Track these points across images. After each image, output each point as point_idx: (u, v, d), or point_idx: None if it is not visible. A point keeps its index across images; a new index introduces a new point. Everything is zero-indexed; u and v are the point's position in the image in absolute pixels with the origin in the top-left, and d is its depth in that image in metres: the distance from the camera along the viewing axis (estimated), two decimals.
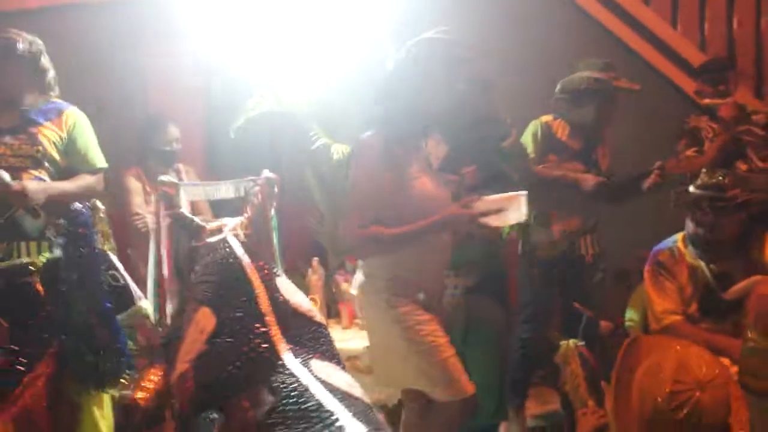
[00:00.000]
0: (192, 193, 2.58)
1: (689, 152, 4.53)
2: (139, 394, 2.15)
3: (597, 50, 4.90)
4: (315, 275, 4.31)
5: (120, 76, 4.88)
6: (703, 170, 3.28)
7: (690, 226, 3.17)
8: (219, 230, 2.41)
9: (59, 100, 3.39)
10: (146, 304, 2.57)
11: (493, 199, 2.74)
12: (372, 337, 2.78)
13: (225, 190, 2.65)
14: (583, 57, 4.19)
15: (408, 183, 2.66)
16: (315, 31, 4.58)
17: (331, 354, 1.98)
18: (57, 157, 3.37)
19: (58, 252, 2.41)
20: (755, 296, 2.78)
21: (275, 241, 2.71)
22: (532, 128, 4.07)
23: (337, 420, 1.64)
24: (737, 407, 2.01)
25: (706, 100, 4.64)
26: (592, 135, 4.10)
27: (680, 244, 3.23)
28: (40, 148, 3.32)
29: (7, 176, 3.09)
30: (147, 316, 2.58)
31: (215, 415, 1.86)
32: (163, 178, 2.51)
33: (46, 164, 3.39)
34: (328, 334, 2.12)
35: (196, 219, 2.45)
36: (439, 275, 2.90)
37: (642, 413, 1.93)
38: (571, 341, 3.14)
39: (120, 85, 4.90)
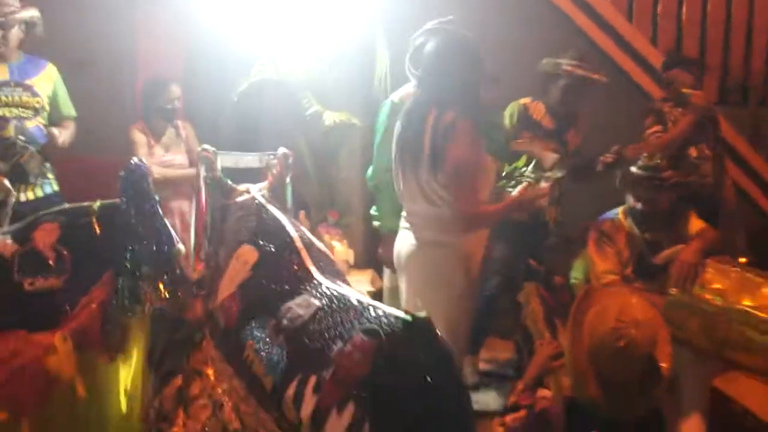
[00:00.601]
0: (225, 160, 3.01)
1: (655, 128, 4.95)
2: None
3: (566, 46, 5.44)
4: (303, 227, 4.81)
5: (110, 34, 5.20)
6: (644, 155, 3.84)
7: (630, 200, 3.74)
8: (247, 192, 2.92)
9: (30, 55, 4.08)
10: (182, 247, 3.08)
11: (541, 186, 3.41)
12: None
13: (251, 160, 3.14)
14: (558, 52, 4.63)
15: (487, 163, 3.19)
16: (309, 2, 5.01)
17: (343, 278, 2.53)
18: (47, 107, 4.06)
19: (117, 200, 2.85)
20: (678, 261, 3.41)
21: (289, 202, 3.19)
22: (509, 110, 4.55)
23: (370, 306, 2.14)
24: (663, 344, 2.62)
25: (685, 90, 4.96)
26: (563, 117, 4.55)
27: (621, 216, 3.79)
28: (39, 99, 3.98)
29: (54, 130, 3.67)
30: (184, 257, 3.12)
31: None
32: (206, 146, 2.97)
33: (44, 113, 4.05)
34: (336, 263, 2.68)
35: (229, 182, 2.95)
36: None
37: (591, 344, 2.54)
38: (533, 283, 3.74)
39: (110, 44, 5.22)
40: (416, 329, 2.02)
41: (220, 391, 2.42)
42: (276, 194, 3.01)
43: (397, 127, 3.20)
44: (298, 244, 2.50)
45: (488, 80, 3.90)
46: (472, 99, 3.11)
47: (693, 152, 4.91)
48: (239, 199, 2.88)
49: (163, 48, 5.18)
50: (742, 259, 4.71)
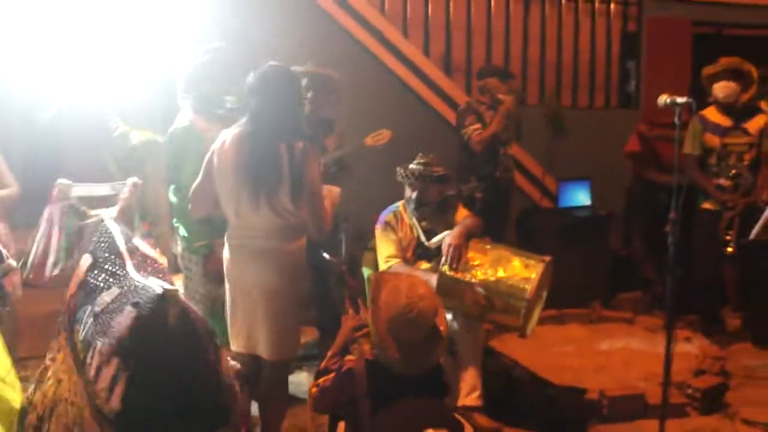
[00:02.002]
0: (78, 190, 3.42)
1: (476, 126, 5.63)
2: None
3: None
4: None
5: None
6: (419, 153, 4.46)
7: (408, 191, 4.35)
8: (97, 216, 3.34)
9: None
10: (12, 262, 3.41)
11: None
12: None
13: (104, 189, 3.53)
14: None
15: None
16: (115, 28, 5.30)
17: (163, 275, 3.01)
18: None
19: None
20: (445, 244, 4.09)
21: (136, 222, 3.58)
22: None
23: (146, 286, 2.74)
24: (441, 313, 3.26)
25: (500, 95, 5.70)
26: (317, 123, 4.97)
27: (401, 209, 4.40)
28: None
29: None
30: (13, 269, 3.47)
31: None
32: (61, 180, 3.39)
33: None
34: (163, 267, 3.13)
35: (83, 208, 3.36)
36: None
37: (388, 317, 3.08)
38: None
39: None
40: (165, 299, 2.62)
41: (63, 369, 2.94)
42: (126, 216, 3.41)
43: (235, 153, 3.46)
44: (123, 250, 2.96)
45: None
46: (304, 124, 3.63)
47: (501, 150, 5.77)
48: (90, 221, 3.33)
49: None
50: None
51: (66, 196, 3.37)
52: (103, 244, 3.01)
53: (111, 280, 2.90)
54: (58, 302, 4.39)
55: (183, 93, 3.98)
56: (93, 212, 3.33)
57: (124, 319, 2.65)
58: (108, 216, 3.23)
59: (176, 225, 4.08)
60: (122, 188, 3.52)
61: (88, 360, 2.73)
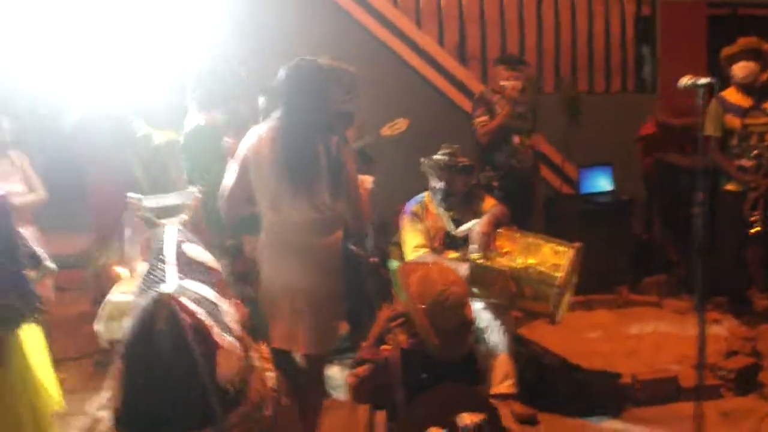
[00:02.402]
0: (148, 201, 3.51)
1: (483, 118, 5.58)
2: None
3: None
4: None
5: None
6: (443, 144, 4.48)
7: (433, 182, 4.36)
8: (163, 224, 3.41)
9: None
10: (50, 264, 3.45)
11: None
12: None
13: (172, 198, 3.61)
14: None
15: None
16: (134, 29, 5.34)
17: (211, 282, 3.03)
18: None
19: None
20: (474, 232, 4.10)
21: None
22: None
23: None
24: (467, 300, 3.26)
25: (502, 82, 5.61)
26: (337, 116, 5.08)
27: (427, 199, 4.41)
28: None
29: None
30: (52, 272, 3.51)
31: None
32: (130, 194, 3.49)
33: None
34: (216, 272, 3.17)
35: (153, 217, 3.42)
36: None
37: (424, 303, 3.09)
38: None
39: None
40: (158, 302, 2.72)
41: None
42: (194, 224, 3.48)
43: (272, 149, 3.44)
44: (167, 255, 3.01)
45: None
46: (337, 120, 3.61)
47: (516, 140, 5.66)
48: (156, 229, 3.39)
49: None
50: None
51: (138, 208, 3.46)
52: (155, 252, 3.05)
53: (153, 285, 2.93)
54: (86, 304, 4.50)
55: (191, 92, 3.97)
56: (162, 221, 3.40)
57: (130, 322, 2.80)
58: (170, 223, 3.27)
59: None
60: (189, 196, 3.57)
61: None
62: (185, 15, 5.53)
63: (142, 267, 3.11)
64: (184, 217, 3.42)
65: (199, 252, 3.14)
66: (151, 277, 2.93)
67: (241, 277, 3.96)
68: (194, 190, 3.64)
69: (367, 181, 3.81)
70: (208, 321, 2.89)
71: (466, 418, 2.84)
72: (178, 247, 3.07)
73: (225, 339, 2.89)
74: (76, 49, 5.22)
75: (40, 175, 5.20)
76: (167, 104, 5.00)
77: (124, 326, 2.82)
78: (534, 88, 6.57)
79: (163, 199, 3.59)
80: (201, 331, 2.84)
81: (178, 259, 3.00)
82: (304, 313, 3.51)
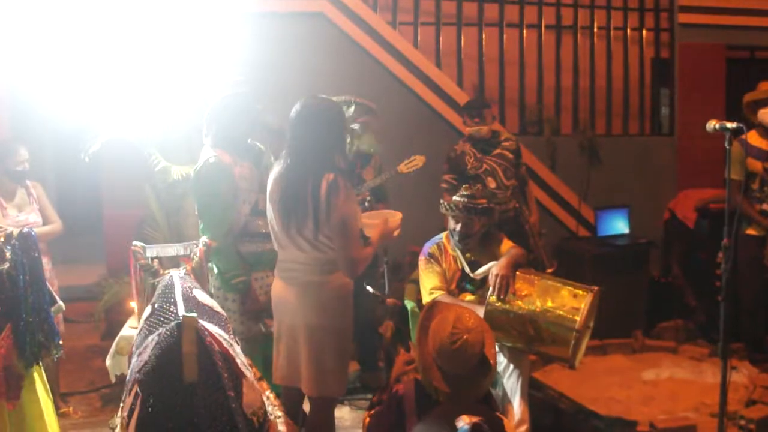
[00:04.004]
0: (151, 251, 3.56)
1: (447, 177, 5.51)
2: None
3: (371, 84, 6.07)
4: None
5: None
6: (464, 185, 4.44)
7: (451, 223, 4.31)
8: (167, 274, 3.36)
9: None
10: (61, 303, 3.45)
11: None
12: None
13: (177, 249, 3.61)
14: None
15: None
16: (155, 64, 5.37)
17: (221, 325, 2.99)
18: None
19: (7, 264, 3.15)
20: (492, 275, 4.05)
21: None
22: None
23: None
24: (489, 345, 3.23)
25: (467, 130, 5.61)
26: (355, 156, 5.05)
27: (445, 240, 4.38)
28: None
29: None
30: (61, 309, 3.50)
31: None
32: (135, 242, 3.52)
33: None
34: (222, 316, 3.12)
35: (155, 266, 3.46)
36: None
37: (434, 346, 3.10)
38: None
39: None
40: (183, 326, 2.59)
41: None
42: (197, 275, 3.45)
43: (272, 187, 3.50)
44: (177, 296, 2.97)
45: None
46: (340, 158, 3.53)
47: (491, 183, 5.51)
48: (161, 278, 3.36)
49: None
50: (549, 270, 5.50)
51: (140, 257, 3.48)
52: (163, 295, 3.01)
53: (159, 323, 2.89)
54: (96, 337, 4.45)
55: (206, 130, 3.97)
56: (166, 271, 3.38)
57: (148, 349, 2.67)
58: (180, 274, 3.25)
59: (209, 263, 3.93)
60: (195, 248, 3.56)
61: (123, 398, 2.72)
62: (206, 51, 5.57)
63: (145, 312, 3.05)
64: (186, 267, 3.41)
65: (206, 297, 3.11)
66: (159, 317, 2.88)
67: (252, 316, 3.93)
68: (203, 240, 3.63)
69: (396, 217, 3.80)
70: (231, 350, 2.85)
71: (464, 420, 2.79)
72: (189, 291, 3.04)
73: (247, 370, 2.84)
74: (99, 80, 5.25)
75: (55, 206, 5.19)
76: (187, 140, 5.02)
77: (137, 357, 2.72)
78: (552, 127, 6.58)
79: (167, 249, 3.58)
80: (227, 357, 2.78)
81: (186, 301, 2.95)
82: (307, 352, 3.48)
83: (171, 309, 2.95)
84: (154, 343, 2.65)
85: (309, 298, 3.50)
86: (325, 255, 3.46)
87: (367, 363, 5.31)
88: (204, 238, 3.67)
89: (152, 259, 3.60)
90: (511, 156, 5.64)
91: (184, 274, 3.17)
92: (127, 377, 2.85)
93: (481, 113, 5.59)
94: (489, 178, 5.53)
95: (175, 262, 3.54)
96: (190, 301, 3.01)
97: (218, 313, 3.08)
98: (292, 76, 5.97)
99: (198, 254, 3.56)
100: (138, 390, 2.60)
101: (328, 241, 3.43)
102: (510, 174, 5.60)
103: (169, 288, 3.04)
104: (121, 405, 2.75)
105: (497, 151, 5.60)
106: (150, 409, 2.56)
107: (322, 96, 3.61)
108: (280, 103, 4.31)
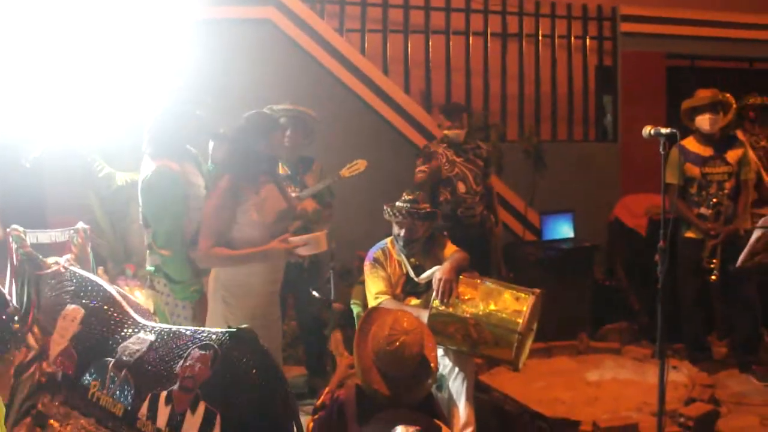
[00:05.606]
0: (32, 236, 3.37)
1: (422, 168, 5.60)
2: None
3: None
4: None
5: None
6: (406, 191, 4.48)
7: (395, 228, 4.34)
8: (56, 264, 3.25)
9: None
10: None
11: (302, 237, 3.82)
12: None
13: (54, 235, 3.49)
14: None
15: (242, 215, 3.68)
16: (98, 68, 5.30)
17: (153, 319, 2.98)
18: None
19: None
20: (436, 279, 4.08)
21: (92, 264, 3.58)
22: None
23: (198, 329, 2.73)
24: (430, 348, 3.27)
25: (445, 131, 5.78)
26: (296, 162, 5.10)
27: (389, 245, 4.40)
28: None
29: None
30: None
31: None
32: (15, 225, 3.30)
33: None
34: (144, 307, 3.11)
35: (40, 256, 3.28)
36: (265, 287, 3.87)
37: (373, 349, 3.16)
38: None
39: None
40: (240, 337, 2.57)
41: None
42: (81, 262, 3.37)
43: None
44: (118, 296, 2.91)
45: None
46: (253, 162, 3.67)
47: (461, 187, 5.69)
48: (49, 270, 3.23)
49: None
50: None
51: (23, 243, 3.29)
52: (87, 293, 2.94)
53: (120, 328, 2.83)
54: None
55: (146, 139, 3.90)
56: (48, 260, 3.26)
57: (197, 363, 2.58)
58: (67, 263, 3.18)
59: (155, 273, 3.80)
60: (74, 234, 3.49)
61: (143, 411, 2.63)
62: (154, 56, 5.51)
63: (74, 313, 2.97)
64: (69, 256, 3.34)
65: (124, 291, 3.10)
66: (107, 322, 2.84)
67: (203, 323, 3.90)
68: (80, 226, 3.55)
69: (318, 238, 3.86)
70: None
71: (401, 430, 2.84)
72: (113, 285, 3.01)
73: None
74: (40, 84, 5.16)
75: None
76: (131, 146, 4.94)
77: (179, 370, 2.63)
78: (498, 133, 6.68)
79: (48, 235, 3.47)
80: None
81: (125, 299, 2.93)
82: None
83: (115, 309, 2.91)
84: (206, 358, 2.58)
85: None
86: None
87: (314, 368, 5.31)
88: (81, 223, 3.61)
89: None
90: (481, 163, 5.84)
91: (68, 263, 3.13)
92: (108, 389, 2.75)
93: (460, 117, 5.80)
94: (459, 183, 5.69)
95: (54, 250, 3.41)
96: (128, 299, 3.00)
97: (143, 306, 3.07)
98: (239, 82, 5.95)
99: (78, 240, 3.49)
100: (207, 408, 2.53)
101: None
102: (479, 180, 5.81)
103: (90, 283, 2.97)
104: (163, 423, 2.63)
105: (470, 156, 5.81)
106: (230, 424, 2.53)
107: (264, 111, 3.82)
108: (227, 109, 4.31)
